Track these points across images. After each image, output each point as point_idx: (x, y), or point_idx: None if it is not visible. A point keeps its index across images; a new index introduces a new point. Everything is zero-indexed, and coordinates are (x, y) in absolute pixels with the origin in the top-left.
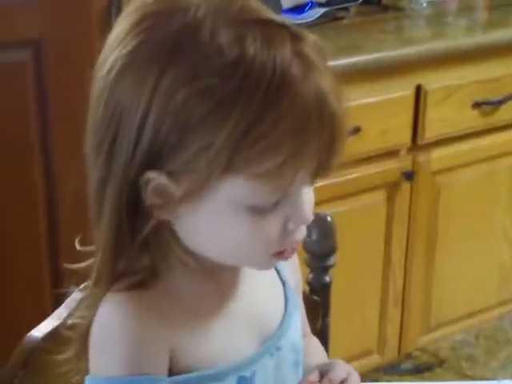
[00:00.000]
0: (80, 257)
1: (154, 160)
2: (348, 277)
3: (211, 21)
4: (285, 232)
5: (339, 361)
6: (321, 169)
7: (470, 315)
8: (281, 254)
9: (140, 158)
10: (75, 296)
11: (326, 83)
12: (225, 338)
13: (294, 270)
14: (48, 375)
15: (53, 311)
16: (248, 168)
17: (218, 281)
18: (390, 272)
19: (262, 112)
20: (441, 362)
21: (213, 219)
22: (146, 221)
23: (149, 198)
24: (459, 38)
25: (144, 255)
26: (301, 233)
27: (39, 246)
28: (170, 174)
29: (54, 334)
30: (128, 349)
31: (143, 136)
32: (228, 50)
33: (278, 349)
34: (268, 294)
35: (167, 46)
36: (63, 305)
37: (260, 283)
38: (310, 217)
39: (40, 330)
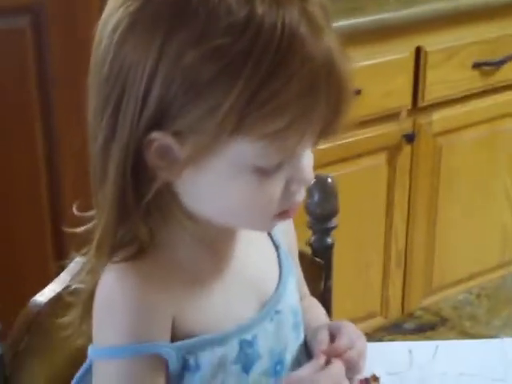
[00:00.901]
0: (82, 221)
1: (160, 120)
2: (350, 240)
3: None
4: (287, 193)
5: (346, 324)
6: (326, 131)
7: (472, 276)
8: (282, 215)
9: (146, 118)
10: (77, 261)
11: (332, 44)
12: (224, 303)
13: (287, 232)
14: (53, 339)
15: (56, 276)
16: (256, 129)
17: (215, 246)
18: (391, 234)
19: (271, 72)
20: (443, 321)
21: (217, 181)
22: (150, 183)
23: (152, 158)
24: None
25: (144, 222)
26: (301, 194)
27: (41, 210)
28: (176, 135)
29: (57, 299)
30: (130, 317)
31: (151, 95)
32: (237, 9)
33: (278, 312)
34: (263, 258)
35: (175, 5)
36: (66, 270)
37: (254, 248)
38: (311, 178)
39: (43, 295)
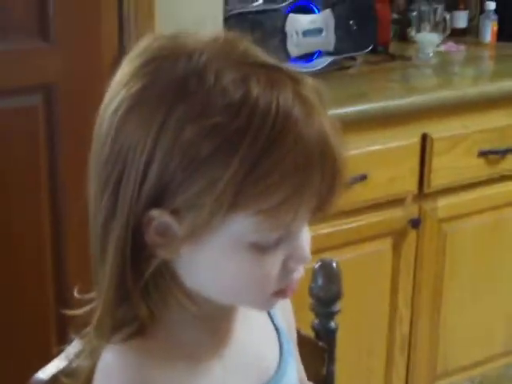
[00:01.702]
0: (85, 304)
1: (158, 198)
2: (353, 325)
3: (215, 64)
4: (285, 271)
5: None
6: (321, 207)
7: (477, 364)
8: (280, 293)
9: (145, 196)
10: (75, 343)
11: (326, 124)
12: (223, 383)
13: (285, 313)
14: None
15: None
16: (252, 205)
17: (215, 325)
18: (396, 320)
19: (266, 150)
20: None
21: (215, 258)
22: (149, 262)
23: (151, 236)
24: (465, 88)
25: (144, 301)
26: (299, 272)
27: (45, 289)
28: (174, 212)
29: (53, 381)
30: None
31: (149, 174)
32: (233, 90)
33: None
34: (263, 339)
35: (173, 88)
36: (63, 352)
37: (255, 328)
38: (309, 256)
39: (40, 376)
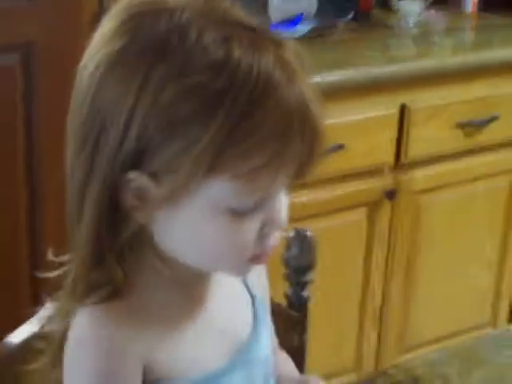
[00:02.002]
0: (57, 266)
1: (137, 160)
2: (326, 295)
3: (197, 23)
4: (261, 236)
5: (314, 377)
6: (299, 173)
7: (447, 337)
8: (256, 259)
9: (123, 157)
10: (49, 306)
11: (307, 90)
12: (196, 348)
13: (261, 280)
14: None
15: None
16: (230, 168)
17: (189, 290)
18: (368, 291)
19: (246, 113)
20: (415, 381)
21: (191, 222)
22: (125, 224)
23: (128, 199)
24: (445, 58)
25: (118, 264)
26: (275, 238)
27: (19, 253)
28: (152, 175)
29: (25, 345)
30: (99, 361)
31: (128, 134)
32: (214, 50)
33: (249, 362)
34: (237, 306)
35: (155, 45)
36: (36, 315)
37: (229, 295)
38: (285, 221)
39: (12, 340)
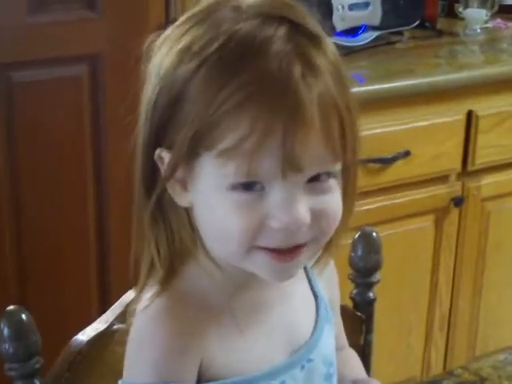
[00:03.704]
0: (127, 265)
1: (159, 136)
2: (394, 302)
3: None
4: (265, 228)
5: (375, 380)
6: (288, 162)
7: None
8: (274, 253)
9: (153, 133)
10: (122, 300)
11: (324, 86)
12: (255, 346)
13: (329, 285)
14: (92, 377)
15: (99, 315)
16: (214, 144)
17: (249, 288)
18: (436, 297)
19: (225, 80)
20: (482, 381)
21: (207, 205)
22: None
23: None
24: None
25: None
26: (279, 233)
27: (88, 247)
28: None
29: (98, 338)
30: (159, 357)
31: (153, 113)
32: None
33: (310, 360)
34: (299, 305)
35: (197, 14)
36: (110, 309)
37: (292, 294)
38: (285, 219)
39: (85, 334)
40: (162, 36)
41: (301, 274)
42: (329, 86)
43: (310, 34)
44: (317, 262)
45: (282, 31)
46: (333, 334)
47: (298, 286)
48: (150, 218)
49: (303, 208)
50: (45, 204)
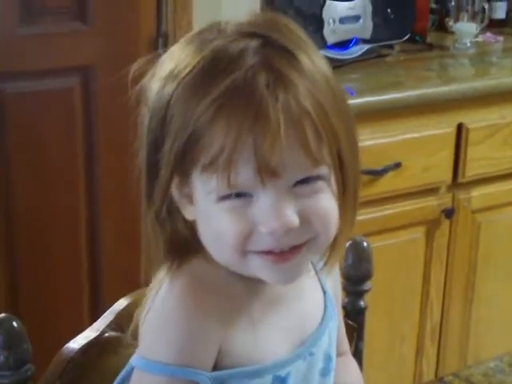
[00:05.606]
0: (119, 274)
1: (156, 156)
2: (386, 312)
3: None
4: (257, 233)
5: None
6: (263, 170)
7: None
8: (275, 258)
9: (151, 157)
10: (113, 309)
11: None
12: (266, 337)
13: (334, 285)
14: None
15: (91, 323)
16: (197, 160)
17: (265, 284)
18: (427, 308)
19: (199, 98)
20: None
21: (203, 216)
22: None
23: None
24: (502, 78)
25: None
26: (271, 238)
27: (79, 254)
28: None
29: (89, 347)
30: (181, 338)
31: (147, 136)
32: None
33: (311, 354)
34: (310, 300)
35: (193, 35)
36: (101, 318)
37: (304, 289)
38: (273, 225)
39: (77, 342)
40: (158, 62)
41: (311, 270)
42: (300, 96)
43: (281, 47)
44: (325, 262)
45: (252, 45)
46: (335, 331)
47: (309, 281)
48: (165, 241)
49: (290, 212)
50: (37, 214)
